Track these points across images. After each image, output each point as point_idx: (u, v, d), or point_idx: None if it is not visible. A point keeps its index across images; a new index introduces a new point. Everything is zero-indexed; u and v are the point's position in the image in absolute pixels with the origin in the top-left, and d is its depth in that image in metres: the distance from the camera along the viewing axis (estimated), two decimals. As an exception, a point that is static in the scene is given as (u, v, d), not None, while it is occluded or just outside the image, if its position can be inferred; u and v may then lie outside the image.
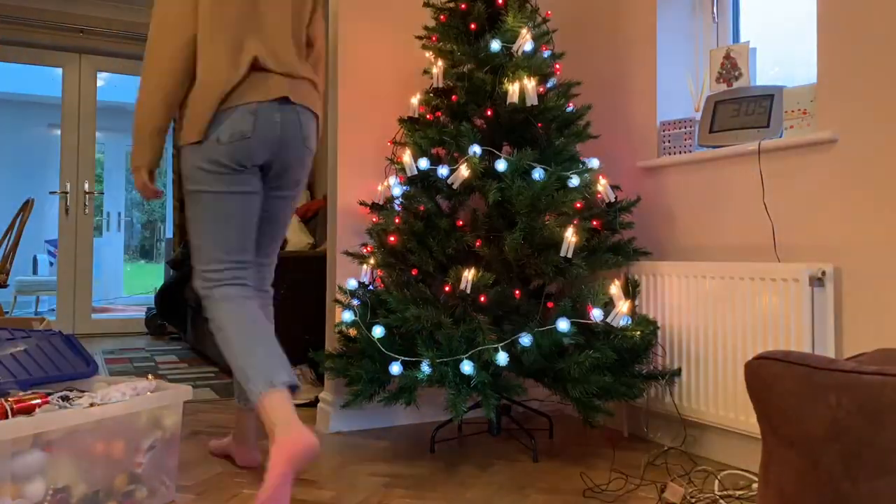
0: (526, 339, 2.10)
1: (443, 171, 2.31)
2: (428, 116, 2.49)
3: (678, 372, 2.34)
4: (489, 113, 2.35)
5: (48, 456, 1.48)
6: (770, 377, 1.13)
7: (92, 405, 1.60)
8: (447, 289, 2.23)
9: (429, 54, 2.52)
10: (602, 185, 2.35)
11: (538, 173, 2.22)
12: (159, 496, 1.80)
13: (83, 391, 1.73)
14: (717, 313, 2.22)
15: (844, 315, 2.02)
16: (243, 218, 1.97)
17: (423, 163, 2.36)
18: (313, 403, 3.05)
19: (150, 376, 1.85)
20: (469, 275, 2.18)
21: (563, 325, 2.12)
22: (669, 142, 2.61)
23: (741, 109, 2.35)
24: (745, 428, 2.12)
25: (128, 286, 10.04)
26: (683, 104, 2.67)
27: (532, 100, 2.26)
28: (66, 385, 1.84)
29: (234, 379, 2.15)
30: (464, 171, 2.24)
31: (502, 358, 2.07)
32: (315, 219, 4.61)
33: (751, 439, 2.16)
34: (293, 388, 1.79)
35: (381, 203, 2.56)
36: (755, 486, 2.02)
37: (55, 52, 5.71)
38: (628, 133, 2.78)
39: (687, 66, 2.71)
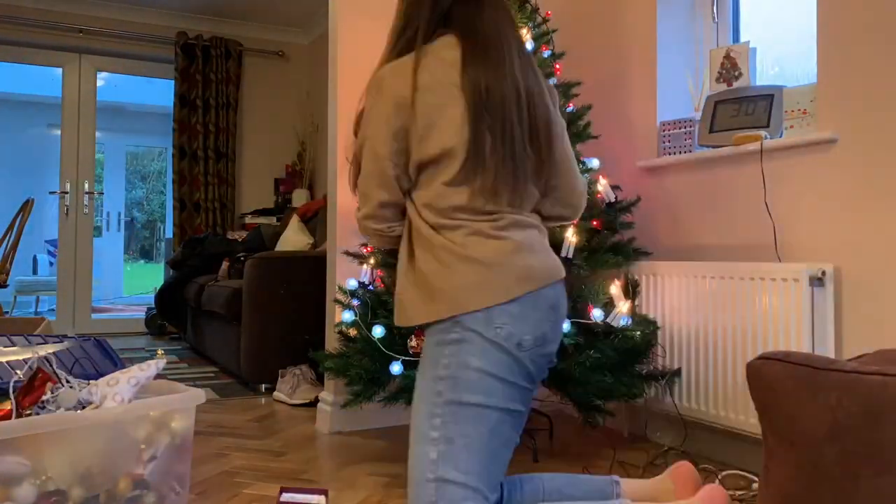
0: (526, 339, 2.10)
1: (443, 171, 2.30)
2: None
3: (678, 372, 2.34)
4: (489, 113, 2.35)
5: (40, 458, 1.48)
6: (771, 377, 1.13)
7: (88, 405, 1.59)
8: (447, 289, 2.23)
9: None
10: (602, 185, 2.35)
11: (538, 173, 2.22)
12: (169, 503, 1.79)
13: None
14: (717, 313, 2.22)
15: (844, 315, 2.02)
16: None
17: (424, 163, 2.35)
18: (313, 403, 3.05)
19: (159, 351, 1.84)
20: (469, 275, 2.17)
21: (563, 325, 2.12)
22: (669, 142, 2.61)
23: (741, 109, 2.35)
24: (745, 428, 2.12)
25: (128, 286, 10.03)
26: (683, 104, 2.67)
27: (532, 100, 2.26)
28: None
29: None
30: (464, 171, 2.24)
31: (502, 358, 2.07)
32: (315, 219, 4.61)
33: (751, 439, 2.16)
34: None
35: (381, 203, 2.55)
36: (755, 486, 2.02)
37: (55, 52, 5.70)
38: (628, 133, 2.78)
39: (687, 66, 2.71)
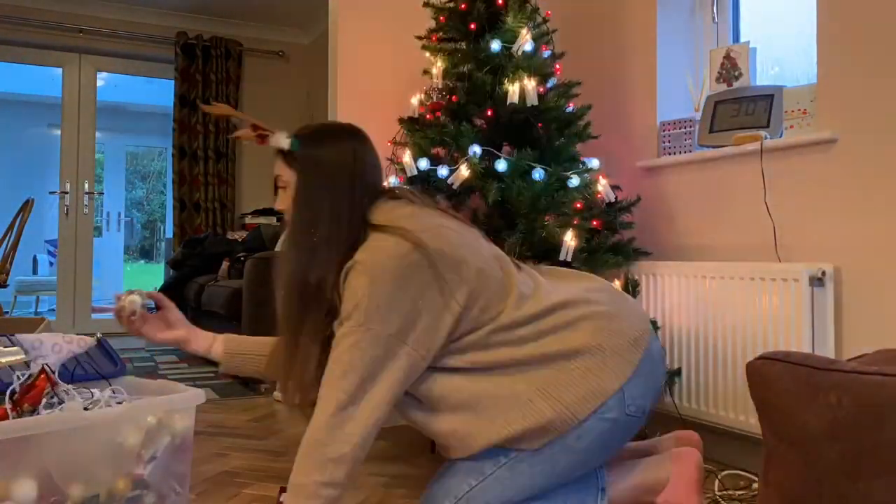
0: (526, 339, 2.09)
1: (443, 171, 2.30)
2: (428, 116, 2.49)
3: (678, 372, 2.34)
4: (489, 113, 2.35)
5: (40, 457, 1.48)
6: (771, 377, 1.13)
7: (87, 408, 1.59)
8: (447, 289, 2.23)
9: (429, 54, 2.51)
10: (602, 185, 2.35)
11: (538, 174, 2.22)
12: (169, 503, 1.78)
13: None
14: (717, 313, 2.22)
15: (844, 315, 2.02)
16: None
17: (424, 163, 2.35)
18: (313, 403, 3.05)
19: (98, 335, 1.89)
20: (469, 275, 2.17)
21: (563, 325, 2.12)
22: (669, 142, 2.61)
23: (741, 109, 2.35)
24: (745, 428, 2.12)
25: (128, 286, 10.00)
26: (683, 104, 2.67)
27: (532, 100, 2.26)
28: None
29: None
30: (464, 171, 2.24)
31: (502, 358, 2.06)
32: (315, 219, 4.61)
33: (751, 439, 2.16)
34: None
35: (381, 203, 2.55)
36: (755, 486, 2.02)
37: (55, 52, 5.70)
38: (628, 133, 2.78)
39: (687, 66, 2.71)
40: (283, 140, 1.50)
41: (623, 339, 1.43)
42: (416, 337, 1.35)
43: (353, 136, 1.56)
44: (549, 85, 2.42)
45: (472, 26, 2.43)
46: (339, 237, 1.44)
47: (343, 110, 2.78)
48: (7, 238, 4.47)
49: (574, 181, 2.24)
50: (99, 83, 5.96)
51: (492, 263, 1.46)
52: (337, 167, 1.49)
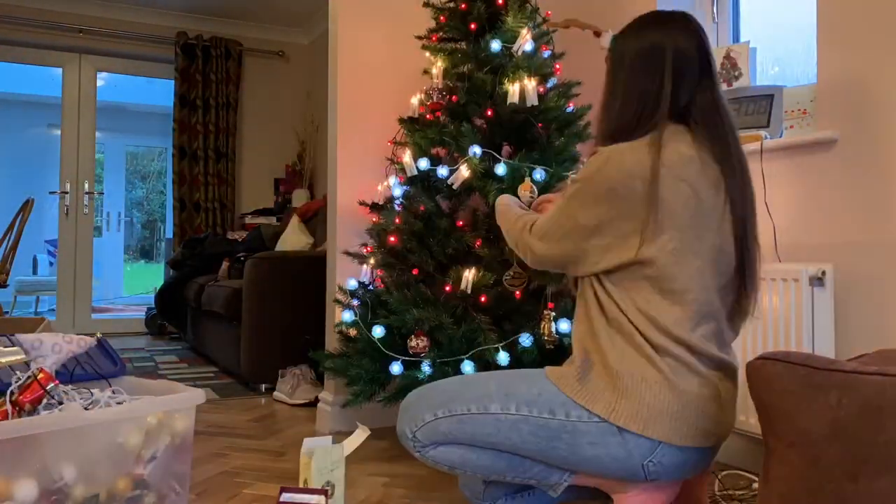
0: (526, 340, 2.10)
1: (443, 171, 2.30)
2: (428, 116, 2.49)
3: (678, 372, 2.34)
4: (489, 113, 2.35)
5: (42, 456, 1.48)
6: (771, 377, 1.13)
7: (87, 408, 1.59)
8: (448, 289, 2.23)
9: (429, 54, 2.51)
10: (602, 185, 2.34)
11: (538, 174, 2.22)
12: (169, 503, 1.78)
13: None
14: (717, 313, 2.22)
15: (844, 315, 2.02)
16: None
17: (423, 163, 2.35)
18: (313, 403, 3.05)
19: (98, 334, 1.88)
20: (469, 275, 2.17)
21: (563, 325, 2.12)
22: (669, 142, 2.61)
23: (741, 109, 2.35)
24: (745, 428, 2.12)
25: (128, 286, 10.03)
26: (683, 104, 2.67)
27: (532, 100, 2.26)
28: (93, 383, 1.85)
29: None
30: (464, 171, 2.24)
31: (503, 358, 2.07)
32: (315, 219, 4.61)
33: (751, 439, 2.16)
34: None
35: (381, 203, 2.56)
36: (755, 486, 2.02)
37: (55, 52, 5.70)
38: (628, 133, 2.77)
39: (687, 66, 2.70)
40: (606, 40, 1.61)
41: (705, 424, 1.42)
42: (588, 247, 1.44)
43: (660, 24, 1.52)
44: (549, 85, 2.42)
45: (473, 26, 2.43)
46: (625, 125, 1.52)
47: (343, 110, 2.78)
48: (7, 238, 4.47)
49: (574, 181, 2.24)
50: (99, 83, 5.96)
51: (697, 263, 1.40)
52: (634, 55, 1.56)
